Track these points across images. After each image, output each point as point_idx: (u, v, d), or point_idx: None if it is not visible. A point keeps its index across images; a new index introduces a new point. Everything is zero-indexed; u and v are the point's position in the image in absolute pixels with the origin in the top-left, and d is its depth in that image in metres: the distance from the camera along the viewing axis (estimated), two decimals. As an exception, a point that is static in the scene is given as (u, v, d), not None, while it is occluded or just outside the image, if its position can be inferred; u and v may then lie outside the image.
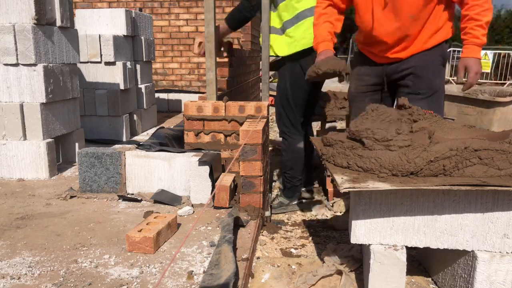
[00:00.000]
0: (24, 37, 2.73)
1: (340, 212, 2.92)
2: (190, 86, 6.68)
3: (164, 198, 2.38)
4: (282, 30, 2.83)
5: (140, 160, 2.46)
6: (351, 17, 2.64)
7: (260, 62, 3.01)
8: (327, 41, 2.36)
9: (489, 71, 10.09)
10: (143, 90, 4.47)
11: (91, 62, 3.87)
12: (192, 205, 2.33)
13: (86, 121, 3.89)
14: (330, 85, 5.48)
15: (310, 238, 2.50)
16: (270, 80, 3.11)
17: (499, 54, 10.30)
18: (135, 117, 4.27)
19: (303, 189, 3.14)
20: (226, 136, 2.55)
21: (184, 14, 6.68)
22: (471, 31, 2.10)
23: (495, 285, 1.62)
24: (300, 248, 2.35)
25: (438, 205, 1.65)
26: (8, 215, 2.20)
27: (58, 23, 2.94)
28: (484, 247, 1.65)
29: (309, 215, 2.91)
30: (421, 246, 1.70)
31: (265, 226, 2.54)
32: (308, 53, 2.71)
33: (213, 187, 2.33)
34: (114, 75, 3.89)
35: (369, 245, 1.72)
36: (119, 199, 2.43)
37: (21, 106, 2.82)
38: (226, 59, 3.29)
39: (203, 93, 2.88)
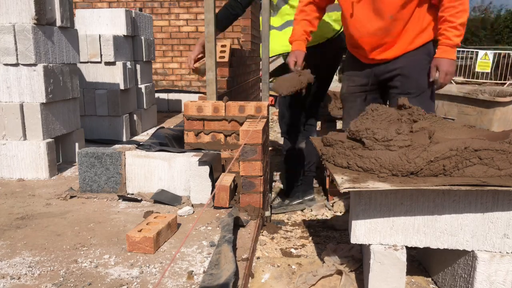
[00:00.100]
0: (24, 37, 2.73)
1: (340, 212, 2.92)
2: (190, 86, 6.68)
3: (164, 198, 2.38)
4: (281, 27, 2.82)
5: (140, 160, 2.47)
6: None
7: (260, 62, 3.01)
8: (301, 40, 2.47)
9: (489, 71, 10.08)
10: (143, 90, 4.47)
11: (91, 62, 3.87)
12: (192, 205, 2.33)
13: (86, 121, 3.88)
14: (331, 85, 5.47)
15: (310, 238, 2.50)
16: (270, 80, 3.10)
17: (499, 54, 10.30)
18: (135, 117, 4.27)
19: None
20: (226, 136, 2.55)
21: (184, 14, 6.68)
22: (444, 32, 2.14)
23: (495, 285, 1.62)
24: (300, 248, 2.35)
25: (438, 205, 1.65)
26: (8, 215, 2.20)
27: (58, 23, 2.94)
28: (484, 247, 1.65)
29: (309, 215, 2.91)
30: (421, 246, 1.70)
31: (265, 226, 2.55)
32: (315, 51, 2.70)
33: (213, 187, 2.33)
34: (114, 75, 3.89)
35: (369, 245, 1.72)
36: (119, 199, 2.43)
37: (21, 106, 2.82)
38: (226, 59, 3.29)
39: (203, 93, 2.88)
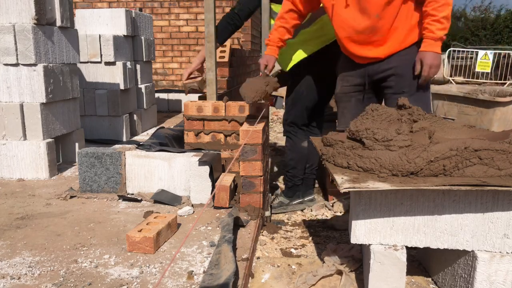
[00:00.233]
0: (24, 37, 2.73)
1: (340, 212, 2.92)
2: (190, 86, 6.68)
3: (164, 198, 2.38)
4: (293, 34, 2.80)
5: (140, 160, 2.47)
6: None
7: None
8: (275, 46, 2.55)
9: (489, 71, 10.08)
10: (143, 90, 4.47)
11: (91, 62, 3.87)
12: (192, 205, 2.33)
13: (86, 121, 3.89)
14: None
15: (310, 238, 2.50)
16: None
17: (499, 54, 10.30)
18: (135, 117, 4.27)
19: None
20: (226, 136, 2.55)
21: (184, 14, 6.68)
22: (427, 26, 2.15)
23: (495, 285, 1.62)
24: (300, 248, 2.35)
25: (438, 205, 1.65)
26: (8, 215, 2.20)
27: (58, 23, 2.94)
28: (484, 247, 1.65)
29: (309, 215, 2.91)
30: (421, 246, 1.70)
31: (265, 226, 2.54)
32: (324, 53, 2.71)
33: (213, 187, 2.33)
34: (114, 75, 3.89)
35: (369, 245, 1.72)
36: (119, 199, 2.43)
37: (21, 106, 2.82)
38: (226, 59, 3.29)
39: (203, 93, 2.88)
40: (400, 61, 2.29)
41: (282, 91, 6.07)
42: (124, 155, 2.47)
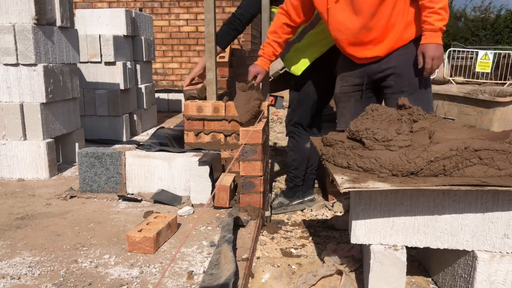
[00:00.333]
0: (24, 37, 2.73)
1: (340, 212, 2.92)
2: (190, 86, 6.68)
3: (164, 198, 2.38)
4: (299, 38, 2.80)
5: (140, 160, 2.47)
6: None
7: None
8: (268, 60, 2.58)
9: (489, 71, 10.07)
10: (143, 90, 4.47)
11: (91, 62, 3.87)
12: (192, 205, 2.33)
13: (86, 121, 3.89)
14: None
15: (310, 238, 2.50)
16: (271, 80, 3.10)
17: (499, 54, 10.30)
18: (135, 117, 4.27)
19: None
20: (226, 136, 2.55)
21: (184, 14, 6.68)
22: (425, 19, 2.14)
23: (495, 285, 1.62)
24: (300, 248, 2.35)
25: (438, 205, 1.65)
26: (8, 215, 2.20)
27: (58, 23, 2.94)
28: (484, 247, 1.65)
29: (309, 215, 2.91)
30: (421, 246, 1.70)
31: (265, 226, 2.55)
32: (331, 53, 2.71)
33: (213, 187, 2.33)
34: (114, 75, 3.89)
35: (369, 245, 1.72)
36: (119, 199, 2.43)
37: (21, 106, 2.82)
38: (226, 59, 3.29)
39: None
40: (399, 61, 2.28)
41: (282, 91, 6.07)
42: (124, 155, 2.48)
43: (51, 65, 2.89)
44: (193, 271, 1.63)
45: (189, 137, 2.58)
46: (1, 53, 2.77)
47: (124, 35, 3.97)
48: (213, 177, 2.34)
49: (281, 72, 3.05)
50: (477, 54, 10.18)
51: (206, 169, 2.31)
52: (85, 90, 3.91)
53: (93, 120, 3.96)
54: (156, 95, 5.58)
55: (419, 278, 1.95)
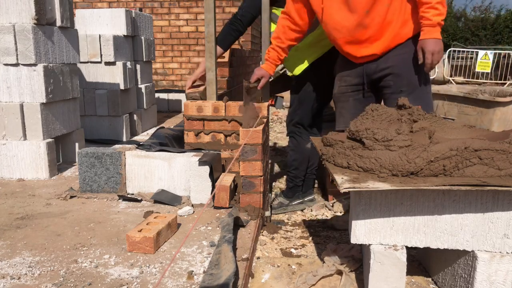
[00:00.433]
0: (24, 37, 2.73)
1: (340, 212, 2.92)
2: (190, 86, 6.68)
3: (164, 198, 2.38)
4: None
5: (140, 160, 2.47)
6: None
7: (260, 62, 3.01)
8: (273, 64, 2.59)
9: (489, 71, 10.08)
10: (143, 90, 4.47)
11: (91, 62, 3.87)
12: (192, 205, 2.33)
13: (86, 121, 3.89)
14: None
15: (310, 238, 2.50)
16: (271, 80, 3.10)
17: (499, 54, 10.30)
18: (135, 117, 4.27)
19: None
20: (226, 136, 2.55)
21: (184, 14, 6.68)
22: (423, 14, 2.13)
23: (495, 285, 1.62)
24: (300, 248, 2.35)
25: (438, 205, 1.65)
26: (8, 215, 2.20)
27: (58, 23, 2.94)
28: (484, 247, 1.65)
29: (309, 215, 2.91)
30: (421, 246, 1.70)
31: (265, 226, 2.55)
32: (331, 53, 2.71)
33: (213, 187, 2.33)
34: (114, 75, 3.89)
35: (369, 245, 1.72)
36: (119, 199, 2.43)
37: (21, 106, 2.82)
38: (226, 59, 3.29)
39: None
40: (397, 60, 2.28)
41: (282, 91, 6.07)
42: (124, 155, 2.48)
43: (51, 65, 2.89)
44: (193, 271, 1.63)
45: (189, 137, 2.58)
46: (1, 53, 2.77)
47: (124, 35, 3.97)
48: (213, 177, 2.34)
49: (281, 72, 3.05)
50: (477, 54, 10.19)
51: (206, 169, 2.31)
52: (85, 90, 3.91)
53: (93, 120, 3.96)
54: (156, 95, 5.58)
55: (419, 278, 1.95)
